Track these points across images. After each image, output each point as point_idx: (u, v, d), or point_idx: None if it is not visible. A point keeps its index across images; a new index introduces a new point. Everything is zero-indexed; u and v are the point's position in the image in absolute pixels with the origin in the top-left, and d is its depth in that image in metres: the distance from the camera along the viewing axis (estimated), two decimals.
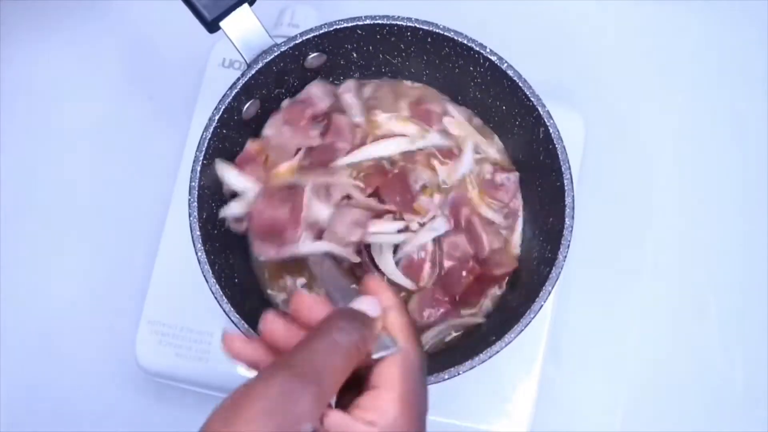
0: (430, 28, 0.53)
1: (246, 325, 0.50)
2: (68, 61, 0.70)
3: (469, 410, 0.60)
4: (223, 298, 0.49)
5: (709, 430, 0.65)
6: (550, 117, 0.52)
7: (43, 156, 0.69)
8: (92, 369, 0.65)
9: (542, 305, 0.51)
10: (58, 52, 0.70)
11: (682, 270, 0.67)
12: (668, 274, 0.67)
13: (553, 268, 0.51)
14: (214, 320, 0.60)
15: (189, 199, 0.51)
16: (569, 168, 0.52)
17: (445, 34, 0.53)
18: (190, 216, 0.51)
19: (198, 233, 0.50)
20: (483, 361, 0.50)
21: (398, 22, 0.53)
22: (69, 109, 0.70)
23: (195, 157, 0.51)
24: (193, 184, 0.51)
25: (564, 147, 0.52)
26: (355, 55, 0.56)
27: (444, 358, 0.55)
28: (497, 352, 0.50)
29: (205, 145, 0.51)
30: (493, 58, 0.53)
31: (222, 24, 0.51)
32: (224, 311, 0.50)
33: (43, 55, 0.70)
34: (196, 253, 0.50)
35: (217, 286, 0.50)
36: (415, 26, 0.53)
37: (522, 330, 0.50)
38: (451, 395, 0.59)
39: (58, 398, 0.65)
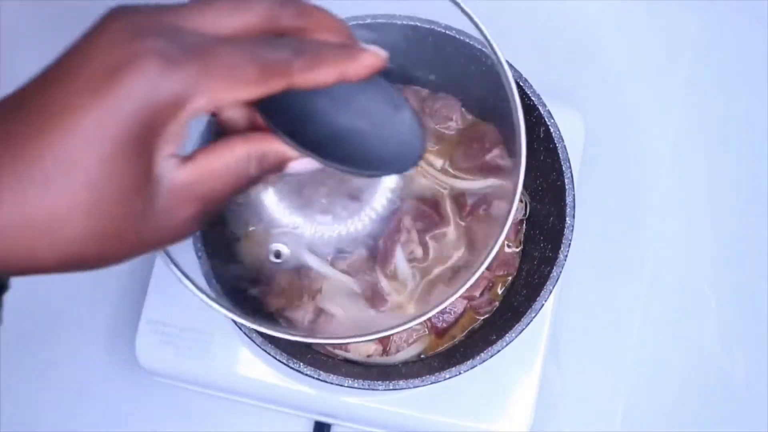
0: (431, 27, 0.53)
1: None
2: None
3: (469, 410, 0.60)
4: (224, 297, 0.49)
5: (710, 430, 0.65)
6: (551, 116, 0.52)
7: None
8: (92, 369, 0.65)
9: (543, 304, 0.51)
10: (57, 52, 0.70)
11: (682, 269, 0.67)
12: (668, 274, 0.67)
13: (554, 267, 0.51)
14: (214, 320, 0.60)
15: None
16: (570, 167, 0.52)
17: (446, 32, 0.53)
18: None
19: (198, 233, 0.50)
20: (484, 360, 0.50)
21: (399, 21, 0.53)
22: None
23: None
24: None
25: (565, 146, 0.52)
26: None
27: (445, 358, 0.55)
28: (498, 351, 0.50)
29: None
30: (494, 57, 0.53)
31: None
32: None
33: (42, 55, 0.70)
34: (197, 253, 0.50)
35: (218, 286, 0.50)
36: (416, 24, 0.53)
37: (523, 329, 0.50)
38: (452, 395, 0.59)
39: (57, 398, 0.65)
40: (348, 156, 0.39)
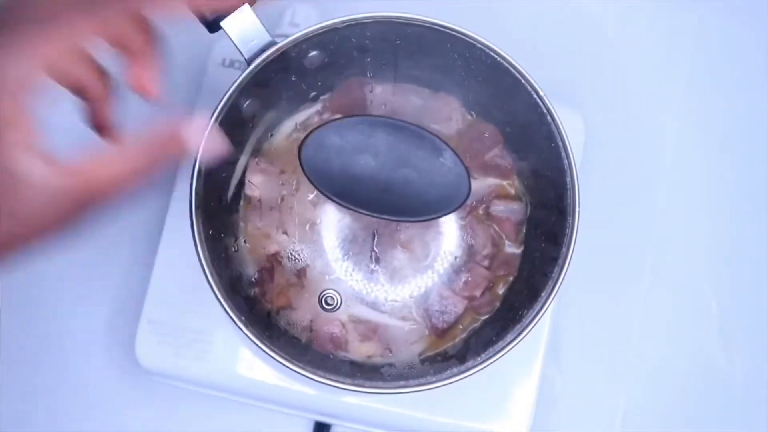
0: (431, 26, 0.53)
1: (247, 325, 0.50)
2: None
3: (469, 410, 0.60)
4: (227, 297, 0.49)
5: (709, 430, 0.65)
6: (553, 115, 0.52)
7: None
8: (92, 369, 0.65)
9: (548, 305, 0.51)
10: None
11: (682, 270, 0.67)
12: (669, 274, 0.67)
13: (557, 267, 0.51)
14: (214, 320, 0.60)
15: (189, 200, 0.50)
16: (570, 167, 0.52)
17: (446, 31, 0.53)
18: (190, 217, 0.50)
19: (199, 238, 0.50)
20: (486, 359, 0.50)
21: (398, 20, 0.53)
22: (67, 109, 0.69)
23: (195, 158, 0.51)
24: (193, 182, 0.51)
25: (566, 145, 0.52)
26: (355, 53, 0.56)
27: (446, 360, 0.55)
28: (501, 349, 0.50)
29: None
30: (495, 56, 0.53)
31: (223, 24, 0.51)
32: (225, 309, 0.50)
33: None
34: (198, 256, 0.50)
35: (215, 280, 0.50)
36: (416, 24, 0.53)
37: (526, 329, 0.50)
38: (451, 395, 0.59)
39: (57, 398, 0.65)
40: (398, 205, 0.41)
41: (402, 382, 0.50)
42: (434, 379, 0.50)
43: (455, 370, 0.50)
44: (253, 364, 0.59)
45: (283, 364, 0.49)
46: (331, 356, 0.56)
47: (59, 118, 0.69)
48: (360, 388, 0.50)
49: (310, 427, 0.65)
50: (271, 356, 0.49)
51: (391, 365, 0.57)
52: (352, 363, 0.57)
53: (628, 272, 0.67)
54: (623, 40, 0.71)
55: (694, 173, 0.69)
